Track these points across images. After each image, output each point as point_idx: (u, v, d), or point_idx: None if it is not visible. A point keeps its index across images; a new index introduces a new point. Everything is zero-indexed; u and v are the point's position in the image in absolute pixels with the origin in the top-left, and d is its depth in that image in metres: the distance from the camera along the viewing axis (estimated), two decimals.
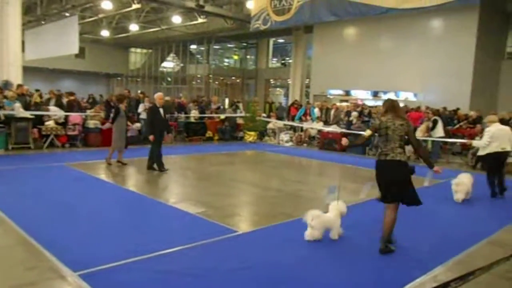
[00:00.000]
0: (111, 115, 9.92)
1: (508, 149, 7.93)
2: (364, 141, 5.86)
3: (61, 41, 19.05)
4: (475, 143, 9.34)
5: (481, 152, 8.58)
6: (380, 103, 18.32)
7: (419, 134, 12.60)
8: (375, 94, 19.53)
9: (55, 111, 12.48)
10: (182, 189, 8.15)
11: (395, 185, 4.75)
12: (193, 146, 12.93)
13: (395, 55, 19.44)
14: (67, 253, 4.32)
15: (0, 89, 12.03)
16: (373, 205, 6.90)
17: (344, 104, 18.60)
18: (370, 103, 18.53)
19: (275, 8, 15.73)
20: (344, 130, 14.42)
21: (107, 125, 9.58)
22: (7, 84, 13.23)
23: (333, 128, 14.88)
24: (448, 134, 13.20)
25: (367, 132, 5.14)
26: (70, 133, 12.46)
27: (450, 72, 17.56)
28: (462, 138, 13.36)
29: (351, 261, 4.57)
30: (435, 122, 12.37)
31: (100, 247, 4.59)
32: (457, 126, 14.39)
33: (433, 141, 12.56)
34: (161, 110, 9.29)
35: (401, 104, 17.21)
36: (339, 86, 21.11)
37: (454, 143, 13.17)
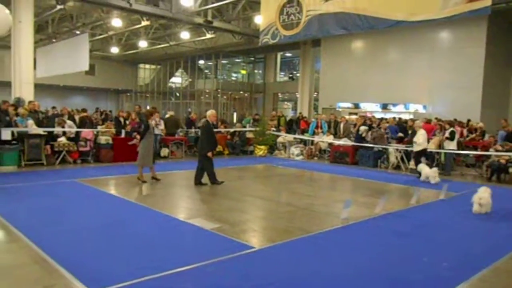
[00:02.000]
0: (127, 128, 9.78)
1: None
2: None
3: (72, 58, 19.30)
4: (416, 140, 11.65)
5: (417, 148, 11.66)
6: (389, 115, 18.28)
7: (432, 146, 12.49)
8: (385, 107, 19.49)
9: (70, 125, 12.58)
10: (195, 204, 8.09)
11: None
12: None
13: (403, 68, 19.42)
14: (83, 271, 4.28)
15: (13, 106, 12.14)
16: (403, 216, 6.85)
17: (354, 117, 18.58)
18: (380, 115, 18.48)
19: (283, 22, 15.79)
20: (356, 144, 14.29)
21: (134, 141, 9.48)
22: (19, 101, 13.38)
23: (344, 141, 14.80)
24: (460, 146, 13.07)
25: None
26: (81, 149, 12.53)
27: (460, 83, 17.48)
28: (475, 149, 13.23)
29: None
30: (452, 134, 12.25)
31: (115, 264, 4.55)
32: (470, 137, 14.24)
33: (445, 153, 12.43)
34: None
35: (411, 116, 17.21)
36: (348, 99, 21.10)
37: (468, 155, 13.06)
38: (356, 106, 20.59)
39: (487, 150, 12.40)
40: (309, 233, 5.93)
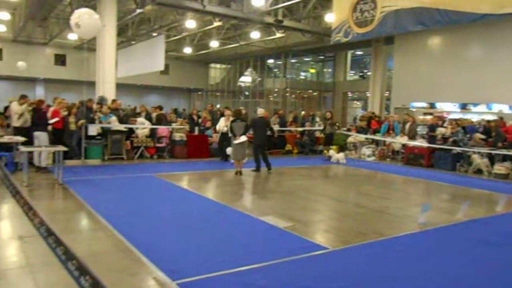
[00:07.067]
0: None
1: None
2: None
3: (149, 59, 20.34)
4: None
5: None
6: (469, 116, 17.13)
7: None
8: (464, 107, 18.29)
9: (142, 122, 13.28)
10: (266, 202, 8.17)
11: None
12: (272, 159, 12.96)
13: (485, 65, 18.07)
14: (164, 261, 4.47)
15: (99, 104, 13.08)
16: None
17: (428, 117, 17.65)
18: (458, 116, 17.40)
19: (357, 20, 15.36)
20: (435, 146, 13.49)
21: (243, 137, 10.50)
22: (102, 100, 14.36)
23: (419, 143, 14.11)
24: None
25: None
26: (158, 145, 13.18)
27: None
28: None
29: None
30: None
31: (193, 257, 4.71)
32: None
33: None
34: None
35: (494, 117, 15.97)
36: (423, 98, 20.10)
37: None
38: (432, 106, 19.55)
39: None
40: (384, 236, 5.73)
